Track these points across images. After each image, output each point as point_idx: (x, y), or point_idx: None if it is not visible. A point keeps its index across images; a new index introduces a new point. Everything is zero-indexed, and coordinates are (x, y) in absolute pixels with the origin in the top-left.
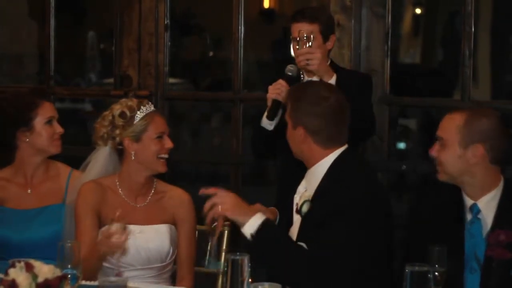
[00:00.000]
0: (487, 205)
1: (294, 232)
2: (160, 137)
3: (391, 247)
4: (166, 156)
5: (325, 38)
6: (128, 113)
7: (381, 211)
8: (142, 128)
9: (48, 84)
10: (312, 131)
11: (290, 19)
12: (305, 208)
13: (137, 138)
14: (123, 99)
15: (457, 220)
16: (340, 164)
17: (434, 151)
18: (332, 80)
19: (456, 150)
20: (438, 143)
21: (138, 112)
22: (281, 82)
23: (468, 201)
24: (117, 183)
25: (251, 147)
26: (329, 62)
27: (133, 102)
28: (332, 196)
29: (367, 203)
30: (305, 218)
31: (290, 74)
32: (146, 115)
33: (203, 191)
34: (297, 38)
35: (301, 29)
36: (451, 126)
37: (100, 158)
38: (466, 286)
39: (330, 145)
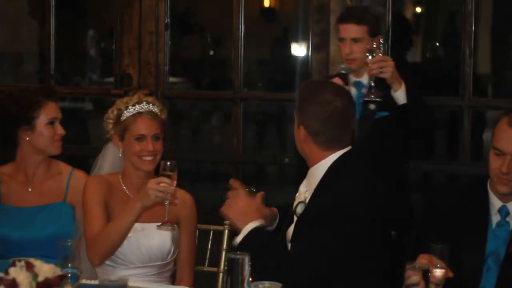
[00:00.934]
0: None
1: (290, 232)
2: (139, 139)
3: (390, 249)
4: (148, 158)
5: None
6: (115, 111)
7: (374, 214)
8: (124, 128)
9: (49, 83)
10: (312, 133)
11: (338, 19)
12: (299, 209)
13: (121, 137)
14: (138, 94)
15: (481, 220)
16: (338, 166)
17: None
18: (402, 89)
19: None
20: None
21: (125, 112)
22: (337, 80)
23: (497, 203)
24: (121, 179)
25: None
26: None
27: (128, 99)
28: (325, 197)
29: (358, 205)
30: (299, 219)
31: (344, 72)
32: (132, 115)
33: (232, 182)
34: (344, 39)
35: (350, 30)
36: None
37: (109, 154)
38: (481, 284)
39: (330, 148)
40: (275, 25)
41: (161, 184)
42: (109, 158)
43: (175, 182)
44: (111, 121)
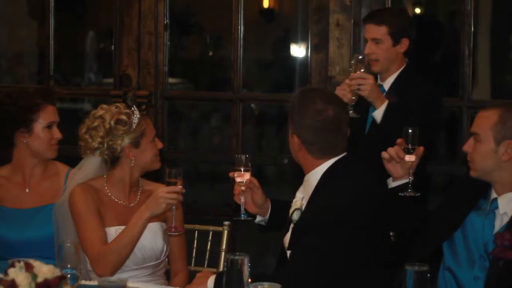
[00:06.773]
0: (508, 203)
1: (287, 239)
2: (153, 139)
3: (387, 252)
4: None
5: (395, 41)
6: (127, 119)
7: (369, 219)
8: (141, 133)
9: (48, 84)
10: (306, 142)
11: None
12: (295, 216)
13: (137, 144)
14: (104, 106)
15: (470, 204)
16: (332, 173)
17: (468, 147)
18: (381, 109)
19: (490, 146)
20: (473, 139)
21: (134, 117)
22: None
23: (493, 195)
24: (106, 186)
25: None
26: (404, 65)
27: (118, 109)
28: (319, 204)
29: (352, 211)
30: (295, 226)
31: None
32: (142, 119)
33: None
34: (368, 39)
35: (369, 30)
36: (486, 122)
37: (89, 169)
38: (474, 269)
39: (323, 156)
40: (275, 25)
41: (171, 192)
42: (88, 170)
43: (183, 189)
44: (121, 132)
